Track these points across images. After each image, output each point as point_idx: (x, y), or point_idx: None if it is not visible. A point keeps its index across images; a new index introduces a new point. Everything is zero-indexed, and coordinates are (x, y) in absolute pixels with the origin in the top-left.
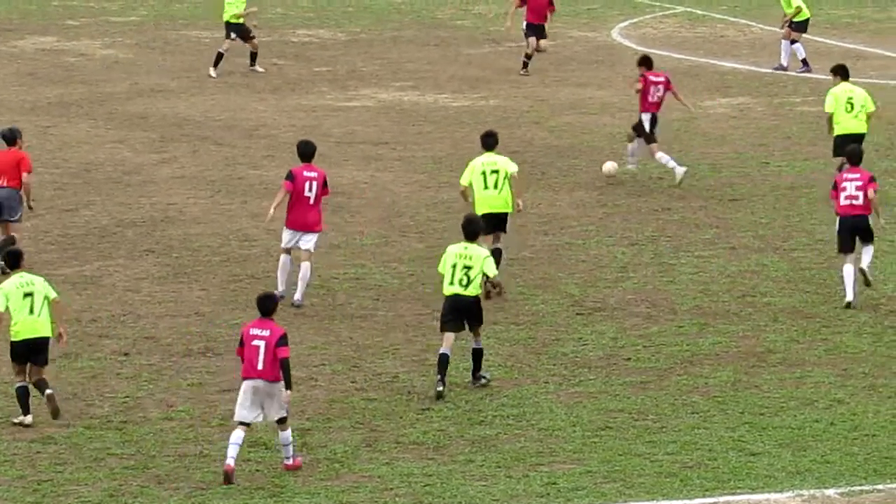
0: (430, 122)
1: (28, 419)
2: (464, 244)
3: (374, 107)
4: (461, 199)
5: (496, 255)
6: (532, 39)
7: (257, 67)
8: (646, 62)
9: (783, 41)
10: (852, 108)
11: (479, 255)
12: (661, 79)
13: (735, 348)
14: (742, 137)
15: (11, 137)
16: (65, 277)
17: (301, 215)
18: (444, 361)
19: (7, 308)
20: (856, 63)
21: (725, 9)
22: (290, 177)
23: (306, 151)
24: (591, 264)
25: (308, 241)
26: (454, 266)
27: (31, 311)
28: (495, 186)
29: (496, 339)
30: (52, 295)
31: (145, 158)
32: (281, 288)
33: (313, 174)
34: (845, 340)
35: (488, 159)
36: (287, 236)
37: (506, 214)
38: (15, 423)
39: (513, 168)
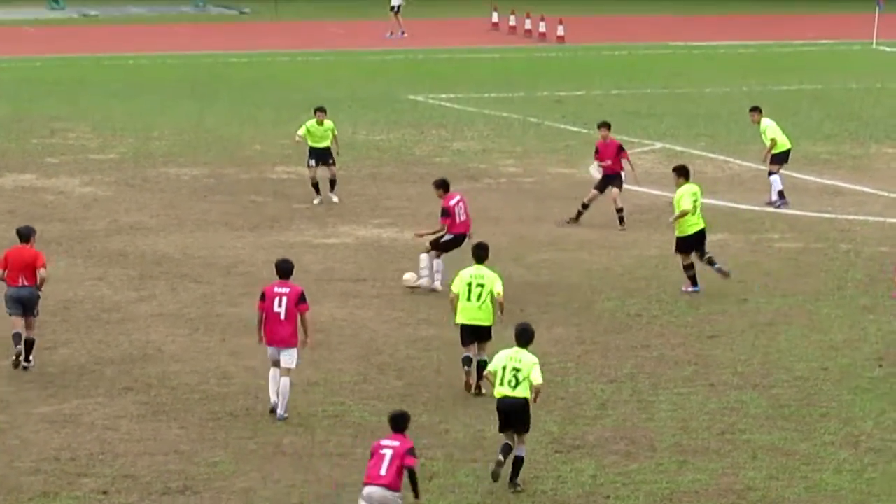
0: (408, 259)
1: None
2: (515, 349)
3: (353, 244)
4: (441, 337)
5: (481, 366)
6: (614, 190)
7: (333, 196)
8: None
9: (770, 176)
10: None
11: (528, 361)
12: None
13: (714, 485)
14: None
15: (27, 234)
16: (43, 416)
17: (273, 331)
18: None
19: None
20: (834, 199)
21: (704, 145)
22: (262, 296)
23: (283, 268)
24: (569, 401)
25: (286, 358)
26: (504, 368)
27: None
28: (478, 299)
29: (475, 477)
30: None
31: (124, 296)
32: (273, 399)
33: (284, 290)
34: (825, 478)
35: (477, 272)
36: (269, 352)
37: (487, 327)
38: None
39: (498, 288)
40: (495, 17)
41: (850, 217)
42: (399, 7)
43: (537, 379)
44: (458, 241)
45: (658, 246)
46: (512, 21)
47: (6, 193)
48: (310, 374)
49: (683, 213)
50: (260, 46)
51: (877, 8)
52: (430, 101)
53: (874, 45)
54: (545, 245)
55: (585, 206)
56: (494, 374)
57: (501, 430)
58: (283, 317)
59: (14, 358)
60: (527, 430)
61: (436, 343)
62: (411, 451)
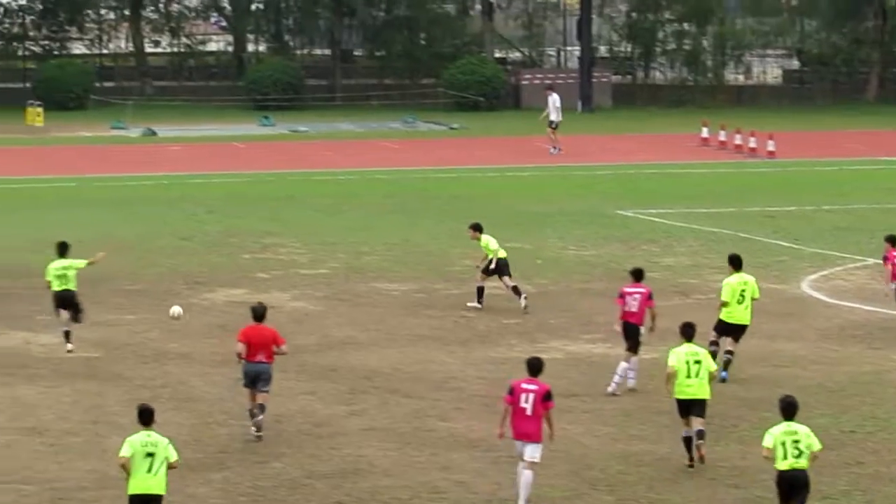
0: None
1: None
2: (785, 423)
3: (564, 359)
4: (653, 452)
5: (698, 435)
6: None
7: (522, 301)
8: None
9: None
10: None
11: (804, 431)
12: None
13: None
14: None
15: (262, 313)
16: None
17: (520, 426)
18: None
19: (131, 457)
20: None
21: None
22: (510, 391)
23: (533, 365)
24: None
25: (530, 452)
26: (783, 444)
27: (149, 470)
28: (697, 375)
29: None
30: (173, 458)
31: (335, 410)
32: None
33: (532, 386)
34: None
35: (690, 349)
36: (517, 446)
37: (704, 401)
38: None
39: (713, 366)
40: (705, 132)
41: None
42: (556, 123)
43: (817, 445)
44: (627, 329)
45: (871, 362)
46: (722, 136)
47: (217, 308)
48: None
49: (724, 304)
50: (469, 162)
51: None
52: (640, 217)
53: None
54: (757, 361)
55: None
56: (773, 449)
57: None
58: (529, 412)
59: (256, 430)
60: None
61: (647, 459)
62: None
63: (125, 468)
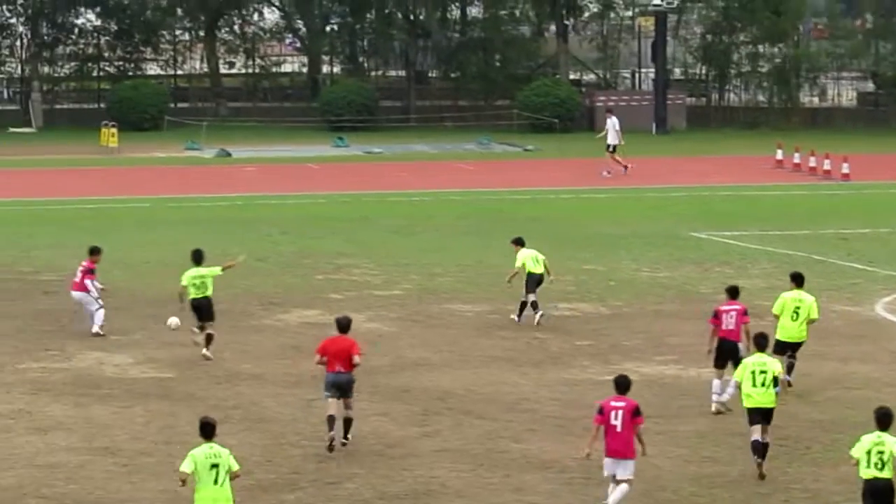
0: (692, 396)
1: None
2: (877, 433)
3: (637, 381)
4: (725, 475)
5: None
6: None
7: (536, 317)
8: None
9: None
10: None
11: (891, 442)
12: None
13: None
14: None
15: (346, 325)
16: None
17: (611, 443)
18: None
19: (193, 472)
20: None
21: None
22: (599, 410)
23: (621, 384)
24: None
25: (622, 471)
26: (868, 453)
27: (216, 482)
28: (763, 385)
29: None
30: (235, 468)
31: (408, 432)
32: None
33: (621, 403)
34: None
35: (759, 360)
36: (605, 463)
37: (771, 409)
38: None
39: (778, 369)
40: (779, 154)
41: None
42: (613, 146)
43: None
44: (724, 347)
45: None
46: (796, 159)
47: (291, 329)
48: None
49: (775, 316)
50: (543, 183)
51: None
52: (714, 239)
53: None
54: (830, 383)
55: None
56: (859, 460)
57: None
58: (619, 429)
59: (328, 443)
60: None
61: (720, 481)
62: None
63: (184, 482)
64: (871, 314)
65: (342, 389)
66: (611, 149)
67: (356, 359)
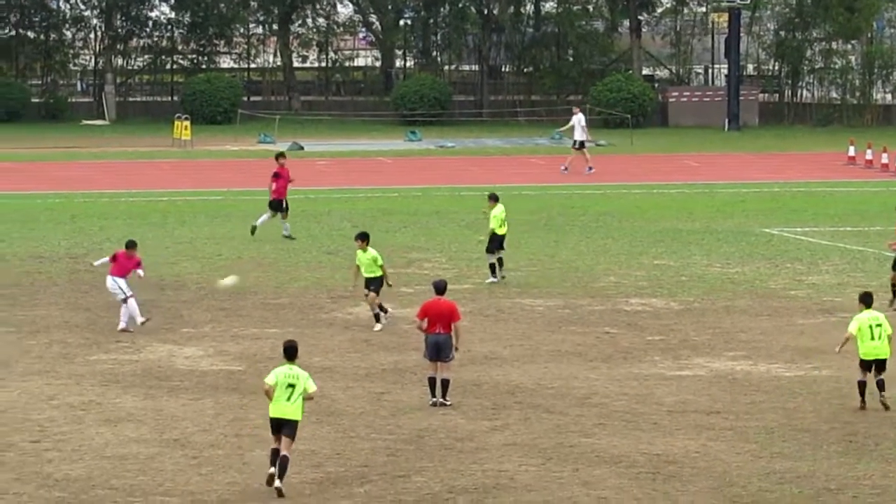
0: (762, 392)
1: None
2: None
3: (707, 376)
4: (794, 470)
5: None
6: None
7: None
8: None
9: None
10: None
11: None
12: None
13: None
14: None
15: (443, 288)
16: None
17: None
18: None
19: (275, 385)
20: None
21: None
22: None
23: None
24: None
25: None
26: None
27: (289, 399)
28: (878, 337)
29: None
30: (310, 390)
31: (477, 425)
32: None
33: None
34: None
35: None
36: None
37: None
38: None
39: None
40: (852, 150)
41: None
42: (579, 143)
43: None
44: None
45: None
46: (868, 155)
47: (361, 322)
48: None
49: (847, 339)
50: (616, 179)
51: None
52: (785, 235)
53: None
54: None
55: None
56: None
57: None
58: None
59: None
60: None
61: (789, 476)
62: None
63: (268, 395)
64: None
65: (441, 351)
66: (577, 145)
67: (457, 323)
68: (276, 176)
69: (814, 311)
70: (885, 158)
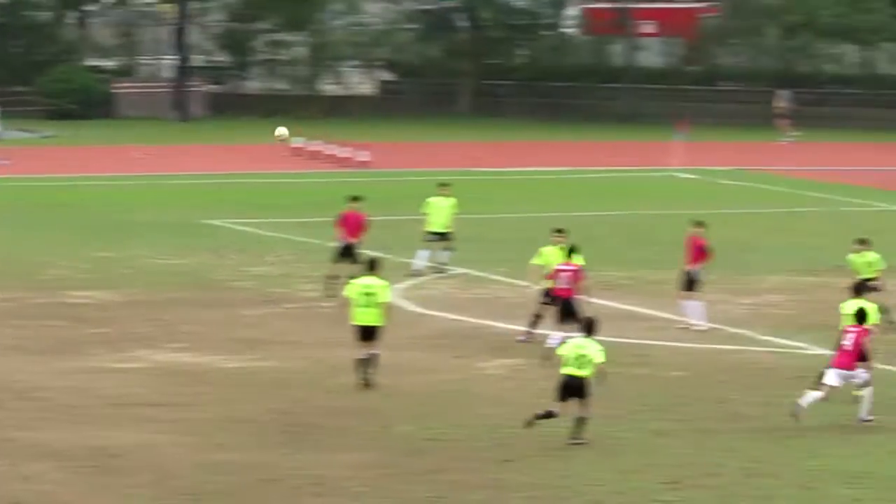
0: (204, 384)
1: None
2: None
3: (149, 368)
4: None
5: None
6: None
7: None
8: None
9: None
10: None
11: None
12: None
13: None
14: (518, 398)
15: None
16: None
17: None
18: None
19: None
20: (630, 324)
21: (504, 270)
22: None
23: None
24: None
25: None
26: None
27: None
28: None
29: None
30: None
31: None
32: None
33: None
34: None
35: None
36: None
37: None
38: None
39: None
40: (299, 141)
41: (647, 342)
42: None
43: None
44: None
45: (458, 369)
46: (314, 146)
47: None
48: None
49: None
50: (61, 171)
51: (678, 136)
52: (230, 226)
53: (673, 173)
54: (345, 369)
55: None
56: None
57: None
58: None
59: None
60: None
61: (230, 467)
62: None
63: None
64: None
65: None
66: None
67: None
68: None
69: (257, 303)
70: (333, 149)
